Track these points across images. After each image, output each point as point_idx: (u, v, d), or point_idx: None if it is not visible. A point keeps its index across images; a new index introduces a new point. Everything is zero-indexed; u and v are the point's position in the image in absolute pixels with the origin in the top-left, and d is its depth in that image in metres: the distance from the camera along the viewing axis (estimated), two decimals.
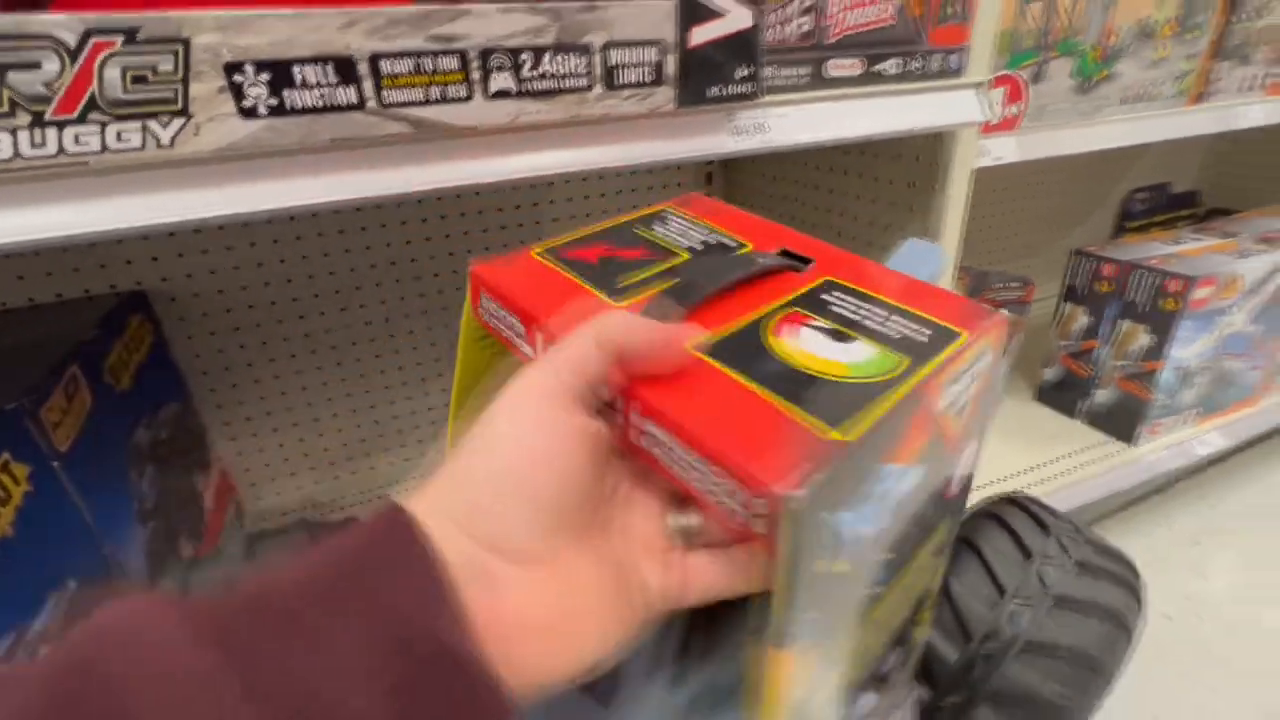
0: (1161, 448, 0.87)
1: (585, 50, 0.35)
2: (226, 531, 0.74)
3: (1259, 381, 0.94)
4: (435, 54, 0.32)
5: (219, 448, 0.76)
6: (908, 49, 0.51)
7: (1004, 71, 0.62)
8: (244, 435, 0.78)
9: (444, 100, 0.33)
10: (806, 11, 0.47)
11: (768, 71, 0.46)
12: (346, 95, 0.31)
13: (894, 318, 0.28)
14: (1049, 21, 0.62)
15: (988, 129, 0.64)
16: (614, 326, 0.23)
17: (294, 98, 0.30)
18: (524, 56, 0.33)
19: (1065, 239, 1.23)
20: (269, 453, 0.80)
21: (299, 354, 0.77)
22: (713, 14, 0.37)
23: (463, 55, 0.32)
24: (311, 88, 0.30)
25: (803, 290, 0.29)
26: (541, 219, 0.83)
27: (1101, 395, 0.91)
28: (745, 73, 0.39)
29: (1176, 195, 1.28)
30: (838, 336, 0.27)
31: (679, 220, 0.35)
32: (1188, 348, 0.82)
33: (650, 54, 0.36)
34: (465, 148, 0.37)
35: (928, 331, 0.27)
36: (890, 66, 0.51)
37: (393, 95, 0.32)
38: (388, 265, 0.78)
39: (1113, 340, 0.88)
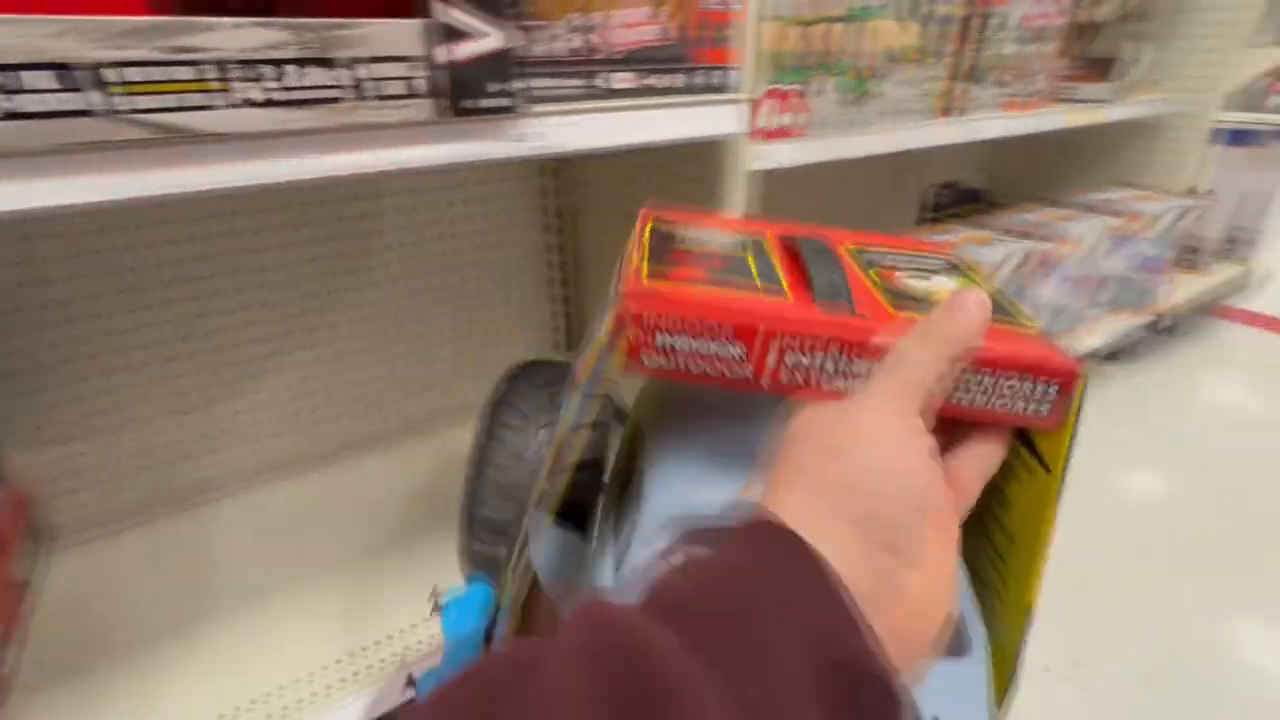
0: None
1: (332, 64, 0.37)
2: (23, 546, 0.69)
3: None
4: (167, 64, 0.33)
5: (33, 455, 0.72)
6: (675, 66, 0.58)
7: (775, 86, 0.70)
8: (56, 442, 0.73)
9: (186, 108, 0.35)
10: (575, 30, 0.52)
11: (545, 82, 0.51)
12: (71, 101, 0.32)
13: (925, 256, 0.36)
14: (809, 45, 0.71)
15: (769, 135, 0.73)
16: (961, 334, 0.25)
17: (8, 103, 0.31)
18: (264, 69, 0.35)
19: (882, 228, 1.39)
20: (80, 459, 0.75)
21: (110, 353, 0.73)
22: (463, 35, 0.41)
23: (198, 65, 0.34)
24: (28, 93, 0.31)
25: (858, 258, 0.34)
26: (367, 214, 0.84)
27: None
28: (500, 88, 0.43)
29: (964, 191, 1.49)
30: (925, 276, 0.33)
31: (691, 230, 0.35)
32: None
33: (401, 69, 0.40)
34: (222, 153, 0.38)
35: (949, 262, 0.35)
36: (660, 81, 0.57)
37: (127, 102, 0.33)
38: (197, 261, 0.75)
39: None
